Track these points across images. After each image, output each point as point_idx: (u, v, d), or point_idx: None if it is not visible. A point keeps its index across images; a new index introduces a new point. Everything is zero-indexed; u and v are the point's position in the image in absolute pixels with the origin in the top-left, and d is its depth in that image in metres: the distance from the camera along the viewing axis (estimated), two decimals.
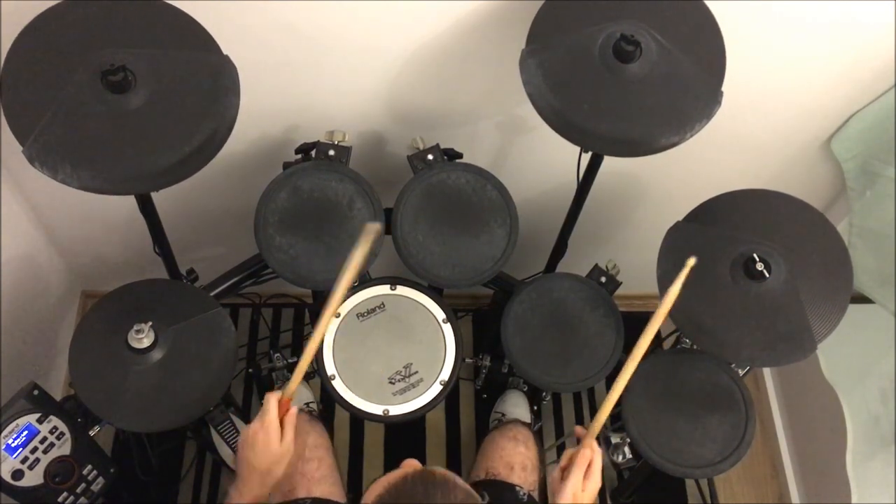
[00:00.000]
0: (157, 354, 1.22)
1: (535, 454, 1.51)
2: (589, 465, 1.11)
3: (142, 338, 1.21)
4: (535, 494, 1.43)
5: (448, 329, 1.35)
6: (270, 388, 1.88)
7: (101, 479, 1.30)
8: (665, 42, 1.10)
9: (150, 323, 1.22)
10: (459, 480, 0.84)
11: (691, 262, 1.07)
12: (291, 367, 1.85)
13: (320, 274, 1.28)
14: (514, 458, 1.46)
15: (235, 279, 1.49)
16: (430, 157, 1.37)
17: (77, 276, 1.93)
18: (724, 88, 1.11)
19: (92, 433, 1.30)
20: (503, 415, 1.86)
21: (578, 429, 1.17)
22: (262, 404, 1.08)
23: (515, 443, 1.50)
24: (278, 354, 1.82)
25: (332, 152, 1.33)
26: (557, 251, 1.55)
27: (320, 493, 1.36)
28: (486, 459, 1.47)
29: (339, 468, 1.45)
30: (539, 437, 1.93)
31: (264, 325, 2.04)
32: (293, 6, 1.19)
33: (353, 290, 1.36)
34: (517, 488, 1.39)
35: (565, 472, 1.11)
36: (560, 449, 1.96)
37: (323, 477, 1.38)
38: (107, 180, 1.01)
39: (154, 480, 1.76)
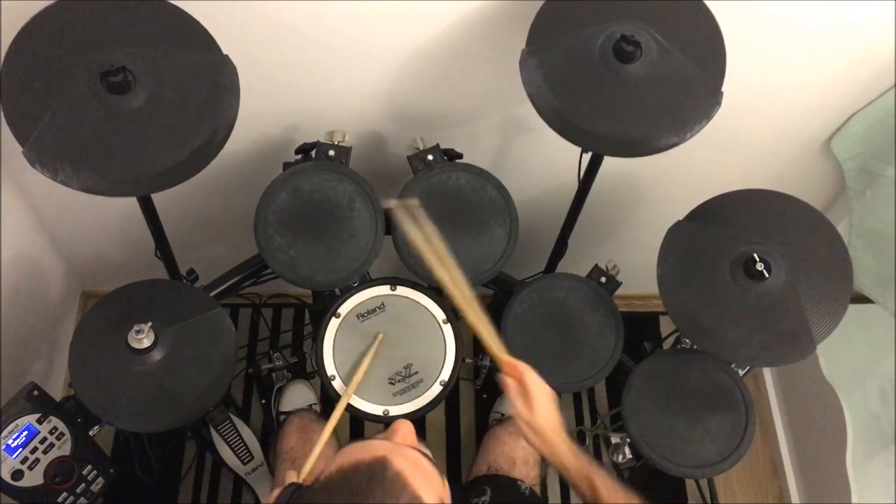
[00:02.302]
0: (157, 354, 1.22)
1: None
2: (525, 390, 1.05)
3: (142, 338, 1.20)
4: (537, 489, 1.43)
5: (448, 329, 1.35)
6: (270, 389, 1.89)
7: (101, 479, 1.30)
8: (665, 42, 1.10)
9: (150, 323, 1.22)
10: (413, 484, 0.76)
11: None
12: (291, 367, 1.85)
13: (320, 274, 1.29)
14: (516, 453, 1.46)
15: (235, 279, 1.49)
16: (430, 157, 1.37)
17: (77, 276, 1.93)
18: (724, 88, 1.11)
19: (92, 433, 1.30)
20: (503, 415, 1.86)
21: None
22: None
23: (517, 437, 1.50)
24: (278, 354, 1.82)
25: (332, 152, 1.33)
26: (557, 251, 1.55)
27: None
28: (488, 454, 1.48)
29: None
30: None
31: (264, 325, 2.04)
32: (293, 6, 1.19)
33: (353, 290, 1.36)
34: (519, 482, 1.39)
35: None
36: None
37: None
38: (107, 182, 1.01)
39: (154, 480, 1.76)
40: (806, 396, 1.89)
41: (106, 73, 0.99)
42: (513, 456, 1.46)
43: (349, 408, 1.28)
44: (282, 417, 1.83)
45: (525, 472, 1.44)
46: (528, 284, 1.44)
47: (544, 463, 1.52)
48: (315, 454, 1.21)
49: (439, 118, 1.46)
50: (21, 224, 1.62)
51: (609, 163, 1.25)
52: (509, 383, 1.09)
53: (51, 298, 1.83)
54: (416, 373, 1.31)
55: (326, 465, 0.80)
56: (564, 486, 1.91)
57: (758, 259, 1.18)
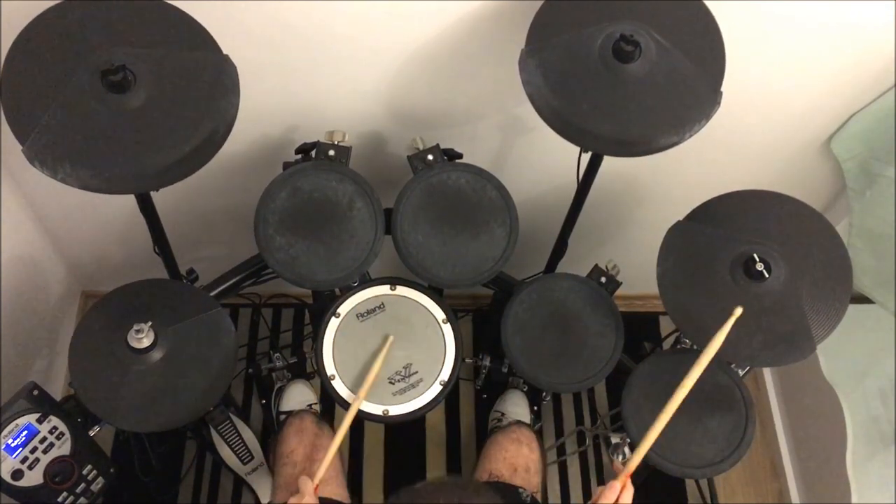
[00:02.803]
0: (157, 354, 1.22)
1: (539, 456, 1.50)
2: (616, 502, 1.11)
3: (142, 338, 1.20)
4: (538, 496, 1.43)
5: (448, 329, 1.35)
6: (270, 389, 1.89)
7: (101, 479, 1.30)
8: (665, 42, 1.10)
9: (150, 323, 1.22)
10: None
11: (738, 311, 1.11)
12: (291, 367, 1.85)
13: (320, 274, 1.28)
14: (518, 460, 1.46)
15: (235, 279, 1.49)
16: (430, 157, 1.37)
17: (77, 276, 1.93)
18: (723, 88, 1.11)
19: (92, 433, 1.30)
20: (503, 414, 1.86)
21: (616, 463, 1.17)
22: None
23: (518, 444, 1.49)
24: (278, 354, 1.82)
25: (332, 152, 1.33)
26: (557, 251, 1.55)
27: (327, 493, 1.36)
28: (489, 461, 1.47)
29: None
30: (539, 437, 1.93)
31: (264, 325, 2.04)
32: (293, 6, 1.20)
33: (353, 289, 1.36)
34: (520, 490, 1.38)
35: None
36: (560, 449, 1.96)
37: (329, 478, 1.39)
38: (107, 180, 1.01)
39: (154, 480, 1.76)
40: (806, 396, 1.89)
41: (106, 72, 0.99)
42: (514, 463, 1.45)
43: (349, 408, 1.28)
44: (282, 417, 1.83)
45: (526, 479, 1.43)
46: (528, 284, 1.44)
47: (545, 470, 1.52)
48: (328, 460, 1.25)
49: (439, 118, 1.46)
50: (21, 224, 1.62)
51: (609, 163, 1.25)
52: (614, 486, 1.12)
53: (51, 298, 1.83)
54: (416, 372, 1.31)
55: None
56: (565, 493, 1.91)
57: (758, 259, 1.18)
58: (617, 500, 1.11)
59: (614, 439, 1.90)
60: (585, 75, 1.10)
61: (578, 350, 1.38)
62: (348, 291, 1.36)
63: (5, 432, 1.20)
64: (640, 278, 1.56)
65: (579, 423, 2.00)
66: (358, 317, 1.35)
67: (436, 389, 1.30)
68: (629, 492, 1.12)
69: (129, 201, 1.20)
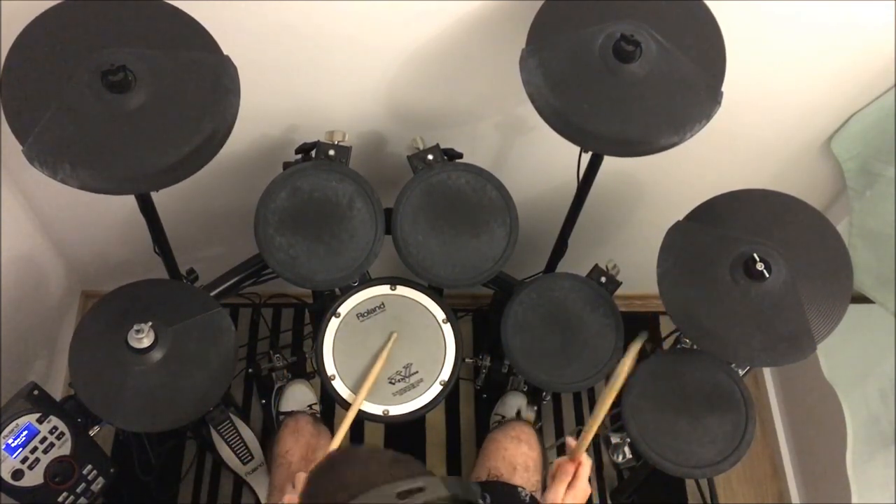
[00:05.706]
0: (157, 354, 1.22)
1: (539, 454, 1.50)
2: (574, 477, 1.11)
3: (142, 338, 1.21)
4: (538, 495, 1.43)
5: (448, 329, 1.35)
6: (270, 389, 1.89)
7: (101, 479, 1.30)
8: (665, 42, 1.10)
9: (150, 323, 1.22)
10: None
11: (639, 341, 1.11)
12: (291, 367, 1.85)
13: (320, 274, 1.29)
14: (517, 459, 1.46)
15: (235, 279, 1.49)
16: (430, 157, 1.37)
17: (77, 276, 1.93)
18: (724, 88, 1.11)
19: (92, 433, 1.30)
20: (503, 417, 1.86)
21: (570, 440, 1.16)
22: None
23: (518, 442, 1.49)
24: (278, 354, 1.82)
25: (332, 152, 1.33)
26: (557, 251, 1.55)
27: None
28: (489, 459, 1.47)
29: None
30: (539, 436, 1.93)
31: (264, 325, 2.04)
32: (293, 6, 1.20)
33: (353, 289, 1.36)
34: (519, 489, 1.38)
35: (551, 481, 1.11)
36: (560, 449, 1.96)
37: None
38: (107, 180, 1.01)
39: (154, 480, 1.76)
40: (806, 396, 1.89)
41: (106, 72, 0.99)
42: (513, 462, 1.45)
43: (350, 408, 1.28)
44: (281, 417, 1.83)
45: (526, 478, 1.43)
46: (528, 284, 1.44)
47: (545, 468, 1.52)
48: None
49: (439, 118, 1.46)
50: (21, 224, 1.62)
51: (609, 163, 1.25)
52: (567, 468, 1.12)
53: (51, 298, 1.83)
54: (416, 372, 1.31)
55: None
56: None
57: (758, 259, 1.18)
58: (575, 473, 1.11)
59: (614, 439, 1.90)
60: (586, 75, 1.10)
61: (578, 350, 1.38)
62: (348, 291, 1.36)
63: (5, 432, 1.20)
64: (640, 278, 1.56)
65: (579, 423, 2.00)
66: (358, 317, 1.35)
67: (436, 389, 1.30)
68: (587, 465, 1.12)
69: (129, 201, 1.20)
